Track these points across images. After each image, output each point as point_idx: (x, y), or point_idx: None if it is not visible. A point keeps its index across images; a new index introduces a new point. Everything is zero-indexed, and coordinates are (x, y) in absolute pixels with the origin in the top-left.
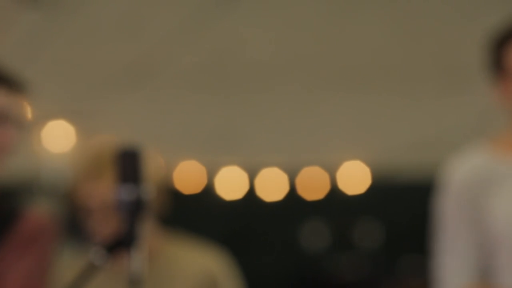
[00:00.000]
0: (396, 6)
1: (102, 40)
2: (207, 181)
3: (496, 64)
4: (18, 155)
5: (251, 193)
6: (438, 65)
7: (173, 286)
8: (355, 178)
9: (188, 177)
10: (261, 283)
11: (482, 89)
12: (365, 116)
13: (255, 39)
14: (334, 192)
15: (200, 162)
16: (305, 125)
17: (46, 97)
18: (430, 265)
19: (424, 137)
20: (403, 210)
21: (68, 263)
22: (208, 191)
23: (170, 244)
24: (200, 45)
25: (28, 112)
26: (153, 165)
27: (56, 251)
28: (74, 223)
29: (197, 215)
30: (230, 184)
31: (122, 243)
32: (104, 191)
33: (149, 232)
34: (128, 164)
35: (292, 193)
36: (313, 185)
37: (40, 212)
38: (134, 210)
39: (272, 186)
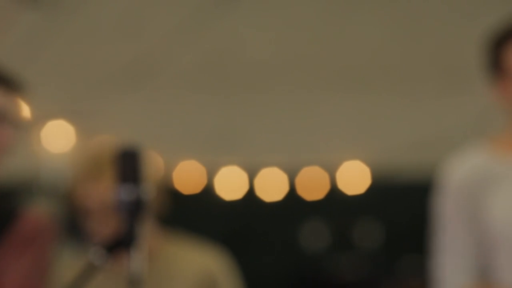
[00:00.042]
0: (396, 6)
1: (102, 40)
2: (207, 181)
3: (495, 64)
4: (18, 155)
5: (250, 193)
6: (437, 65)
7: (173, 286)
8: (355, 178)
9: (187, 177)
10: (261, 283)
11: (481, 89)
12: (364, 116)
13: (254, 39)
14: (334, 192)
15: (200, 162)
16: (304, 125)
17: (46, 97)
18: (428, 264)
19: (424, 137)
20: (403, 210)
21: (67, 263)
22: (208, 191)
23: (169, 244)
24: (200, 45)
25: (26, 112)
26: (152, 165)
27: (55, 251)
28: (73, 223)
29: (197, 215)
30: (230, 184)
31: (121, 243)
32: (103, 192)
33: (148, 232)
34: (127, 164)
35: (292, 193)
36: (313, 185)
37: (39, 212)
38: (133, 210)
39: (272, 186)
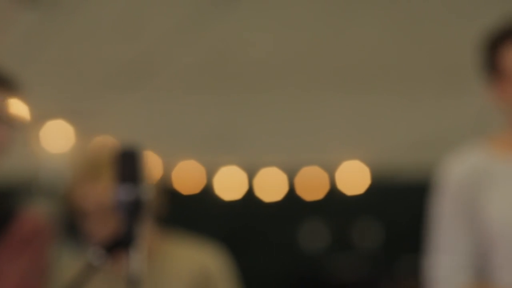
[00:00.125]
0: (395, 7)
1: (101, 40)
2: (206, 181)
3: (491, 65)
4: (17, 155)
5: (250, 193)
6: (436, 66)
7: (170, 284)
8: (354, 178)
9: (187, 177)
10: (260, 283)
11: (481, 89)
12: (364, 116)
13: (254, 39)
14: (333, 192)
15: (199, 162)
16: (304, 125)
17: (45, 96)
18: (423, 263)
19: (423, 137)
20: (402, 210)
21: (66, 264)
22: (207, 191)
23: (167, 243)
24: (199, 45)
25: (23, 112)
26: (151, 165)
27: (53, 252)
28: (72, 224)
29: (196, 215)
30: (229, 184)
31: (120, 244)
32: (101, 193)
33: (147, 233)
34: (127, 164)
35: (291, 193)
36: (312, 185)
37: (36, 213)
38: (132, 210)
39: (271, 186)
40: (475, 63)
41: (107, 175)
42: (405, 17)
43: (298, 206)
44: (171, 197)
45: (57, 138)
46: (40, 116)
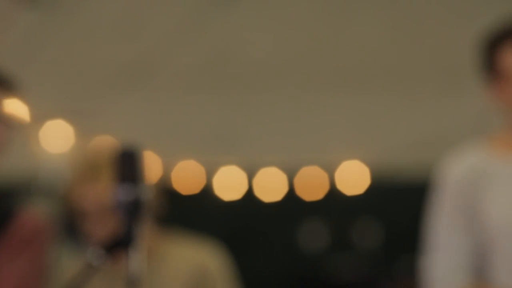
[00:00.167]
0: (395, 6)
1: (101, 40)
2: (206, 181)
3: (490, 65)
4: (16, 155)
5: (250, 193)
6: (436, 66)
7: (168, 283)
8: (354, 178)
9: (186, 177)
10: (260, 284)
11: (480, 89)
12: (364, 116)
13: (254, 39)
14: (333, 192)
15: (198, 162)
16: (304, 125)
17: (44, 96)
18: (420, 263)
19: (423, 137)
20: (402, 210)
21: (66, 264)
22: (207, 191)
23: (166, 242)
24: (199, 45)
25: (21, 112)
26: (151, 165)
27: (52, 253)
28: (71, 224)
29: (196, 215)
30: (229, 184)
31: (120, 244)
32: (100, 194)
33: (147, 233)
34: (126, 164)
35: (291, 193)
36: (312, 185)
37: (36, 213)
38: (132, 211)
39: (271, 186)
40: (475, 63)
41: (106, 175)
42: (405, 17)
43: (297, 206)
44: (171, 197)
45: (57, 138)
46: (40, 116)
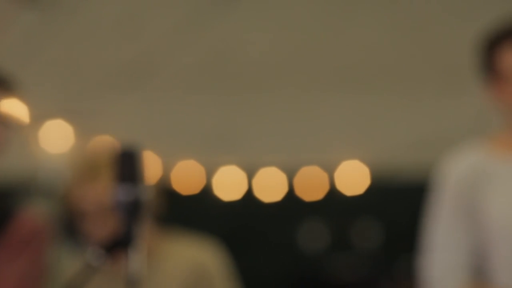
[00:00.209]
0: (395, 7)
1: (101, 40)
2: (206, 181)
3: (489, 65)
4: (15, 155)
5: (249, 193)
6: (436, 66)
7: (165, 282)
8: (354, 178)
9: (186, 176)
10: (260, 284)
11: (480, 89)
12: (364, 116)
13: (253, 39)
14: (333, 192)
15: (198, 161)
16: (304, 125)
17: (44, 96)
18: (419, 263)
19: (423, 137)
20: (402, 210)
21: (66, 264)
22: (207, 191)
23: (165, 241)
24: (199, 45)
25: (20, 112)
26: (151, 165)
27: (51, 253)
28: (71, 224)
29: (195, 215)
30: (229, 184)
31: (120, 244)
32: (99, 193)
33: (147, 233)
34: (126, 164)
35: (291, 193)
36: (311, 185)
37: (35, 213)
38: (132, 211)
39: (270, 186)
40: (474, 64)
41: (106, 175)
42: (405, 17)
43: (297, 207)
44: (170, 197)
45: (56, 138)
46: (39, 116)
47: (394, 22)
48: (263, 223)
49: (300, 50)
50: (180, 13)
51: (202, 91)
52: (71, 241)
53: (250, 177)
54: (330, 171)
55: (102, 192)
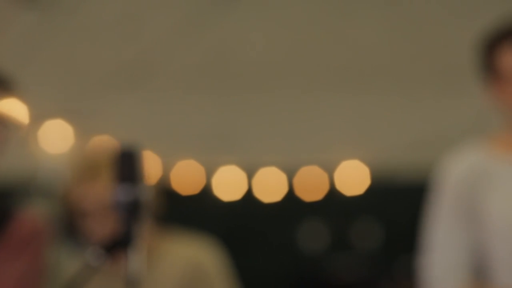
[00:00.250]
0: (394, 7)
1: (101, 40)
2: (206, 180)
3: (489, 65)
4: (15, 155)
5: (249, 193)
6: (436, 66)
7: (162, 280)
8: (354, 178)
9: (186, 176)
10: (260, 284)
11: (480, 90)
12: (364, 116)
13: (253, 40)
14: (333, 192)
15: (198, 161)
16: (304, 125)
17: (44, 96)
18: (419, 262)
19: (423, 137)
20: (402, 210)
21: (66, 264)
22: (206, 191)
23: (163, 241)
24: (199, 45)
25: (19, 112)
26: (150, 165)
27: (50, 254)
28: (71, 224)
29: (195, 215)
30: (228, 184)
31: (119, 244)
32: (100, 192)
33: (146, 233)
34: (125, 164)
35: (291, 194)
36: (311, 186)
37: (34, 214)
38: (131, 211)
39: (270, 186)
40: (474, 64)
41: (106, 173)
42: (405, 17)
43: (297, 207)
44: (170, 197)
45: (56, 138)
46: (39, 116)
47: (394, 22)
48: (263, 223)
49: (300, 50)
50: (180, 13)
51: (202, 91)
52: (71, 241)
53: (250, 177)
54: (330, 171)
55: (103, 191)
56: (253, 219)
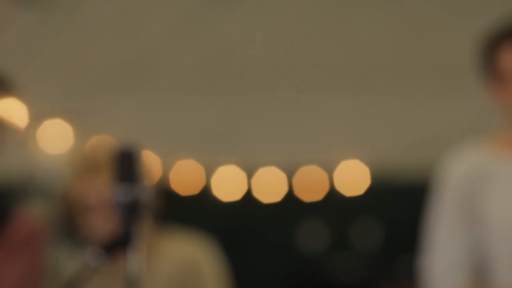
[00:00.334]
0: (393, 7)
1: (100, 39)
2: (205, 181)
3: (489, 65)
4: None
5: (249, 193)
6: (436, 66)
7: (155, 278)
8: (354, 178)
9: (185, 176)
10: (259, 284)
11: (480, 89)
12: (364, 116)
13: (253, 40)
14: (333, 192)
15: (198, 161)
16: (303, 125)
17: (43, 96)
18: (420, 262)
19: (423, 137)
20: (402, 210)
21: (65, 264)
22: (206, 191)
23: (161, 239)
24: (199, 45)
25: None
26: (150, 165)
27: (50, 254)
28: (70, 224)
29: (195, 215)
30: (228, 184)
31: (119, 244)
32: (101, 187)
33: (146, 232)
34: (125, 164)
35: (290, 194)
36: (311, 186)
37: (33, 214)
38: (131, 211)
39: (270, 186)
40: (474, 63)
41: (106, 169)
42: (404, 17)
43: (297, 207)
44: (169, 197)
45: (55, 138)
46: (38, 116)
47: (394, 22)
48: (263, 224)
49: (299, 51)
50: (180, 13)
51: (202, 91)
52: (70, 241)
53: (249, 177)
54: (329, 171)
55: (104, 186)
56: (253, 219)
